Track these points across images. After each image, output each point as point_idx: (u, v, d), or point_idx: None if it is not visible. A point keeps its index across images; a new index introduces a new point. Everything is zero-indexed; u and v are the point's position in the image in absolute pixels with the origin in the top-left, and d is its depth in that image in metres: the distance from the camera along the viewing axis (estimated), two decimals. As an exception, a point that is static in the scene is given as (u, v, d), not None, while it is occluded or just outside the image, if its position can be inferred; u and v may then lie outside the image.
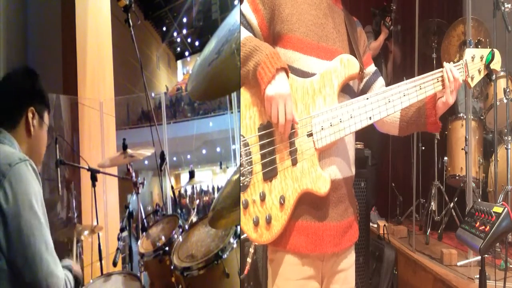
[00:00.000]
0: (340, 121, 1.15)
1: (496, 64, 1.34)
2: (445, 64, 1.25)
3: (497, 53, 1.33)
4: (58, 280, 1.08)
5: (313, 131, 1.15)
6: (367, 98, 1.18)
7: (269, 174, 1.14)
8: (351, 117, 1.15)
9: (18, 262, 1.05)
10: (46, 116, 1.33)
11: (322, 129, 1.14)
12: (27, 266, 1.05)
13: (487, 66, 1.32)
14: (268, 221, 1.13)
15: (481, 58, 1.32)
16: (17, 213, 1.05)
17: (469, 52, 1.32)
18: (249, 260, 2.13)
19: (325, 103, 1.16)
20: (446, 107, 1.24)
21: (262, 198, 1.13)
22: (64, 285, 1.10)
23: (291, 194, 1.13)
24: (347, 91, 1.23)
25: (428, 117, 1.27)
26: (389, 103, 1.19)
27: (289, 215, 1.13)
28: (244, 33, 1.18)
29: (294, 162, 1.14)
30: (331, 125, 1.14)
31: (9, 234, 1.04)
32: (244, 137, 1.15)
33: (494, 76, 1.40)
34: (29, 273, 1.05)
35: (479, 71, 1.33)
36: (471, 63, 1.31)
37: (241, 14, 1.22)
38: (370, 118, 1.17)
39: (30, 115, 1.26)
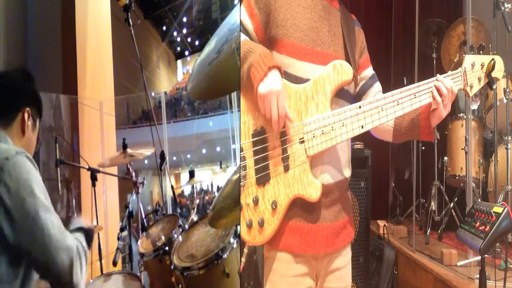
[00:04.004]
0: (332, 129, 1.14)
1: (498, 73, 1.26)
2: (438, 76, 1.19)
3: (499, 61, 1.25)
4: (70, 251, 1.07)
5: (304, 139, 1.14)
6: (360, 107, 1.16)
7: (262, 179, 1.16)
8: (343, 125, 1.14)
9: (28, 247, 1.05)
10: (37, 122, 1.33)
11: (313, 136, 1.14)
12: (37, 247, 1.05)
13: (488, 74, 1.26)
14: (261, 224, 1.15)
15: (482, 65, 1.25)
16: (20, 201, 1.05)
17: (468, 59, 1.25)
18: (243, 259, 2.14)
19: (317, 110, 1.15)
20: (440, 119, 1.20)
21: (255, 202, 1.15)
22: (77, 251, 1.09)
23: (283, 200, 1.15)
24: (342, 95, 1.21)
25: (422, 128, 1.24)
26: (382, 112, 1.16)
27: (281, 219, 1.15)
28: (241, 37, 1.17)
29: (286, 169, 1.15)
30: (322, 133, 1.14)
31: (16, 225, 1.04)
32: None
33: (495, 85, 1.33)
34: (40, 253, 1.05)
35: (479, 80, 1.26)
36: (471, 71, 1.24)
37: (240, 15, 1.21)
38: (362, 127, 1.16)
39: (26, 115, 1.26)
